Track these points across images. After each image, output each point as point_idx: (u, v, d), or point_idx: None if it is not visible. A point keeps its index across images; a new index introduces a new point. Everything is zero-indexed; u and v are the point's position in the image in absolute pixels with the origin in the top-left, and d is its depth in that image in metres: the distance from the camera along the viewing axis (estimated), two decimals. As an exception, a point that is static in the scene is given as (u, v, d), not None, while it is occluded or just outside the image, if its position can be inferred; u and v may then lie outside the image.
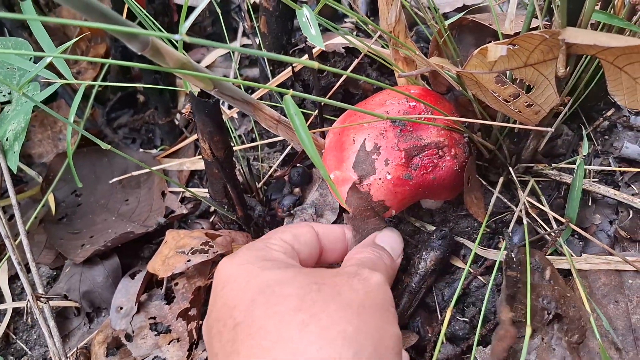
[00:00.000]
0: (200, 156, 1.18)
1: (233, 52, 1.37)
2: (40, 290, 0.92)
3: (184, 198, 1.16)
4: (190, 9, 0.55)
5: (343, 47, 1.10)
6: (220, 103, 0.92)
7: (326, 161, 0.83)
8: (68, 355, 0.93)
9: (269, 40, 1.10)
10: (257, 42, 1.18)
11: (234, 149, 0.96)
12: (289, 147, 1.14)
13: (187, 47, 1.41)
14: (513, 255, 0.78)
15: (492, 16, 0.87)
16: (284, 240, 0.66)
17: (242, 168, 1.05)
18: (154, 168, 1.07)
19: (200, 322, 0.92)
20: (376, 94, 0.87)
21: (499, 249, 0.89)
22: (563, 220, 0.86)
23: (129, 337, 0.91)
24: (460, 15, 0.94)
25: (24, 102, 0.93)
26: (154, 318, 0.93)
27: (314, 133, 0.92)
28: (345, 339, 0.51)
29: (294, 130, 0.55)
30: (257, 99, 0.90)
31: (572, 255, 0.85)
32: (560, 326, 0.74)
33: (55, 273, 1.10)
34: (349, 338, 0.51)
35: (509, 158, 0.91)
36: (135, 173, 1.12)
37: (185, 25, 0.54)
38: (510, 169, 0.89)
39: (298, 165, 1.08)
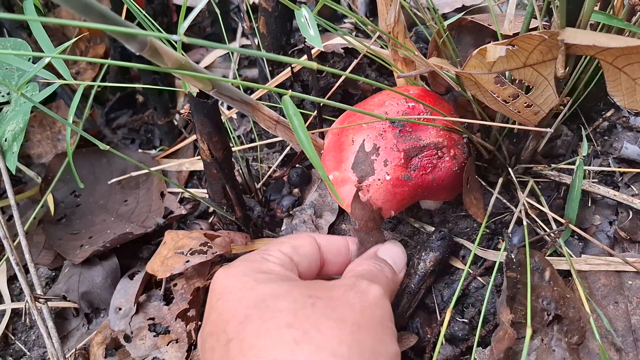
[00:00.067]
0: (199, 157, 1.18)
1: (232, 53, 1.37)
2: (39, 291, 0.92)
3: (183, 199, 1.16)
4: (189, 10, 0.55)
5: (342, 48, 1.10)
6: (219, 103, 0.92)
7: (325, 162, 0.83)
8: (67, 356, 0.92)
9: (268, 40, 1.10)
10: (256, 43, 1.18)
11: (233, 149, 0.96)
12: (288, 148, 1.14)
13: (186, 48, 1.41)
14: (513, 256, 0.78)
15: (491, 17, 0.87)
16: (282, 251, 0.64)
17: (241, 168, 1.05)
18: (152, 169, 1.07)
19: (199, 322, 0.92)
20: (375, 94, 0.87)
21: (499, 249, 0.89)
22: (563, 221, 0.86)
23: (127, 338, 0.91)
24: (460, 15, 0.94)
25: (23, 103, 0.93)
26: (153, 319, 0.92)
27: (312, 134, 0.92)
28: None
29: (293, 131, 0.55)
30: (256, 99, 0.89)
31: (571, 256, 0.85)
32: (560, 327, 0.74)
33: (54, 274, 1.10)
34: (341, 359, 0.49)
35: (509, 159, 0.90)
36: (134, 174, 1.12)
37: (183, 26, 0.54)
38: (510, 169, 0.89)
39: (297, 165, 1.08)
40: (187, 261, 0.88)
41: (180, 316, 0.90)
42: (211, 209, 1.10)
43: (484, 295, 0.85)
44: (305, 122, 0.82)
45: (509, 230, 0.86)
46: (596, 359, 0.74)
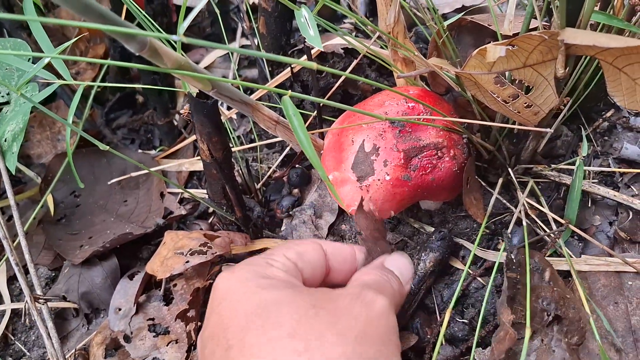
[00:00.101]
0: (199, 157, 1.18)
1: (232, 53, 1.37)
2: (38, 292, 0.92)
3: (183, 199, 1.16)
4: (189, 10, 0.55)
5: (342, 48, 1.10)
6: (219, 104, 0.92)
7: (325, 162, 0.83)
8: (67, 357, 0.92)
9: (268, 40, 1.10)
10: (256, 43, 1.18)
11: (233, 149, 0.96)
12: (288, 148, 1.14)
13: (186, 48, 1.41)
14: (513, 257, 0.78)
15: (491, 17, 0.87)
16: (286, 257, 0.63)
17: (240, 169, 1.05)
18: (152, 169, 1.07)
19: (199, 323, 0.92)
20: (375, 94, 0.87)
21: (498, 250, 0.89)
22: (562, 221, 0.86)
23: (127, 339, 0.91)
24: (459, 16, 0.94)
25: (23, 103, 0.93)
26: (153, 319, 0.92)
27: (312, 134, 0.92)
28: None
29: (293, 131, 0.55)
30: (256, 99, 0.89)
31: (571, 257, 0.85)
32: (560, 327, 0.74)
33: (53, 274, 1.10)
34: None
35: (508, 159, 0.90)
36: (134, 174, 1.12)
37: (183, 26, 0.54)
38: (510, 169, 0.89)
39: (297, 166, 1.08)
40: (187, 262, 0.88)
41: (180, 317, 0.90)
42: (211, 210, 1.10)
43: (483, 296, 0.85)
44: (305, 123, 0.82)
45: (509, 230, 0.86)
46: (596, 359, 0.74)
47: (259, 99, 1.13)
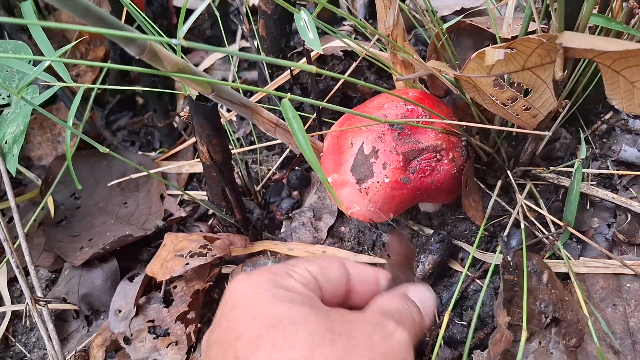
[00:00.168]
0: (198, 159, 1.18)
1: (232, 55, 1.37)
2: (39, 293, 0.92)
3: (183, 201, 1.16)
4: (189, 12, 0.55)
5: (341, 50, 1.10)
6: (219, 106, 0.92)
7: (324, 164, 0.83)
8: (67, 358, 0.93)
9: (268, 43, 1.10)
10: (256, 45, 1.18)
11: (233, 152, 0.96)
12: (288, 150, 1.14)
13: (186, 50, 1.41)
14: (510, 259, 0.78)
15: (490, 19, 0.87)
16: (308, 270, 0.59)
17: (240, 171, 1.05)
18: (152, 171, 1.07)
19: (199, 325, 0.92)
20: (374, 97, 0.87)
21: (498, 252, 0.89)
22: (561, 223, 0.86)
23: (127, 340, 0.91)
24: (459, 18, 0.95)
25: (23, 105, 0.94)
26: (153, 321, 0.93)
27: (312, 136, 0.92)
28: None
29: (292, 134, 0.55)
30: (256, 101, 0.90)
31: (570, 259, 0.85)
32: (558, 330, 0.74)
33: (54, 276, 1.10)
34: None
35: (507, 161, 0.91)
36: (134, 176, 1.12)
37: (183, 30, 0.54)
38: (509, 172, 0.89)
39: (296, 168, 1.08)
40: (187, 264, 0.88)
41: (179, 318, 0.90)
42: (211, 212, 1.10)
43: (483, 298, 0.85)
44: (304, 125, 0.82)
45: (505, 233, 0.86)
46: (594, 361, 0.74)
47: (259, 101, 1.13)
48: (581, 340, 0.73)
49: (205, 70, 1.38)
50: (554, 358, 0.71)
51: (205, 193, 1.06)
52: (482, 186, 0.93)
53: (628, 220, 0.89)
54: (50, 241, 1.09)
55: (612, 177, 0.96)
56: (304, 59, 0.96)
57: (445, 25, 0.91)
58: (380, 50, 1.02)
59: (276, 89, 1.11)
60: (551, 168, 0.93)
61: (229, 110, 1.23)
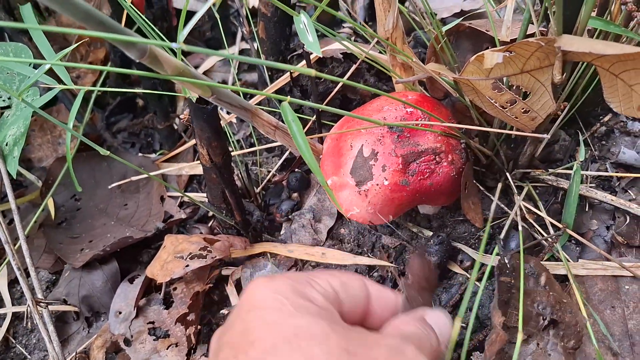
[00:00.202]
0: (199, 161, 1.19)
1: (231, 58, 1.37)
2: (39, 295, 0.92)
3: (183, 203, 1.16)
4: (190, 15, 0.55)
5: (341, 53, 1.10)
6: (219, 108, 0.93)
7: (324, 167, 0.84)
8: (67, 360, 0.93)
9: (267, 45, 1.11)
10: (256, 47, 1.18)
11: (233, 153, 0.96)
12: (287, 152, 1.15)
13: (186, 52, 1.42)
14: (506, 261, 0.78)
15: (489, 22, 0.88)
16: (330, 283, 0.58)
17: (240, 173, 1.06)
18: (152, 173, 1.07)
19: (199, 326, 0.92)
20: (374, 99, 0.87)
21: (497, 254, 0.89)
22: (560, 225, 0.86)
23: (127, 342, 0.91)
24: (458, 21, 0.95)
25: (24, 108, 0.94)
26: (153, 323, 0.93)
27: (311, 139, 0.92)
28: None
29: (292, 137, 0.56)
30: (256, 104, 0.90)
31: (569, 261, 0.85)
32: (556, 332, 0.74)
33: (54, 277, 1.10)
34: None
35: (506, 164, 0.91)
36: (134, 178, 1.12)
37: (183, 33, 0.54)
38: (508, 174, 0.89)
39: (296, 170, 1.09)
40: (187, 265, 0.88)
41: (180, 320, 0.90)
42: (211, 213, 1.10)
43: (482, 300, 0.85)
44: (304, 127, 0.82)
45: (502, 235, 0.86)
46: (593, 363, 0.74)
47: (259, 103, 1.14)
48: (579, 342, 0.74)
49: (205, 72, 1.39)
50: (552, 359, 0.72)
51: (205, 195, 1.07)
52: (482, 188, 0.93)
53: (627, 222, 0.89)
54: (50, 243, 1.09)
55: (611, 179, 0.97)
56: (304, 62, 0.96)
57: (444, 28, 0.91)
58: (380, 52, 1.02)
59: (276, 92, 1.11)
60: (550, 170, 0.93)
61: (229, 112, 1.23)
